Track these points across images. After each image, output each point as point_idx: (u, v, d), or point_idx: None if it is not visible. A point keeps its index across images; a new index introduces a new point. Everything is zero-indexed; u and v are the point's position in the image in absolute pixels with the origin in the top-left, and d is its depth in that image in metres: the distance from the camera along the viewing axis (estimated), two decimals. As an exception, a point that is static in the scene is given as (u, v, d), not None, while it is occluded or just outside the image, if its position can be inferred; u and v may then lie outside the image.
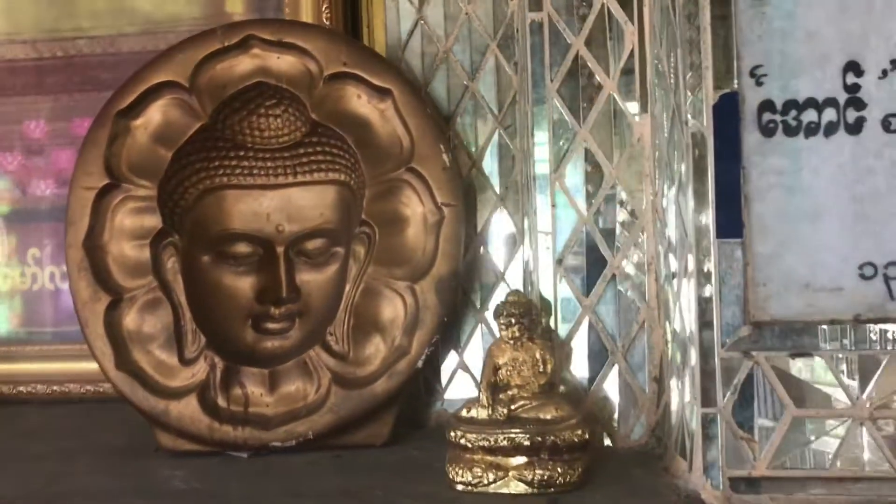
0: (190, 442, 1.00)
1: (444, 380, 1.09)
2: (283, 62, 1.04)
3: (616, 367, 0.93)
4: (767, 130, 0.76)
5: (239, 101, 1.05)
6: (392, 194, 1.02)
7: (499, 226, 1.08)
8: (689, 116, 0.78)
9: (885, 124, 0.75)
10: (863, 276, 0.75)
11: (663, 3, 0.85)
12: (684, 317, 0.81)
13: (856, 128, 0.75)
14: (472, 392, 1.07)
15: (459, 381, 1.08)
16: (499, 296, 1.08)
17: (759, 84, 0.76)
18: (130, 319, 1.03)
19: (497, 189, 1.08)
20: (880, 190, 0.75)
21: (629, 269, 0.93)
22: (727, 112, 0.76)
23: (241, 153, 1.07)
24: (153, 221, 1.04)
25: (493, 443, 0.82)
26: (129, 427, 1.16)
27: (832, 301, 0.75)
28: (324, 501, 0.83)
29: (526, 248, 1.00)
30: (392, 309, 1.01)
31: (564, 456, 0.81)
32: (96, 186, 1.04)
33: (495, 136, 1.08)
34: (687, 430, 0.81)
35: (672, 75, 0.83)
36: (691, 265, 0.79)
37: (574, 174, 0.95)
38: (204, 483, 0.91)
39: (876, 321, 0.75)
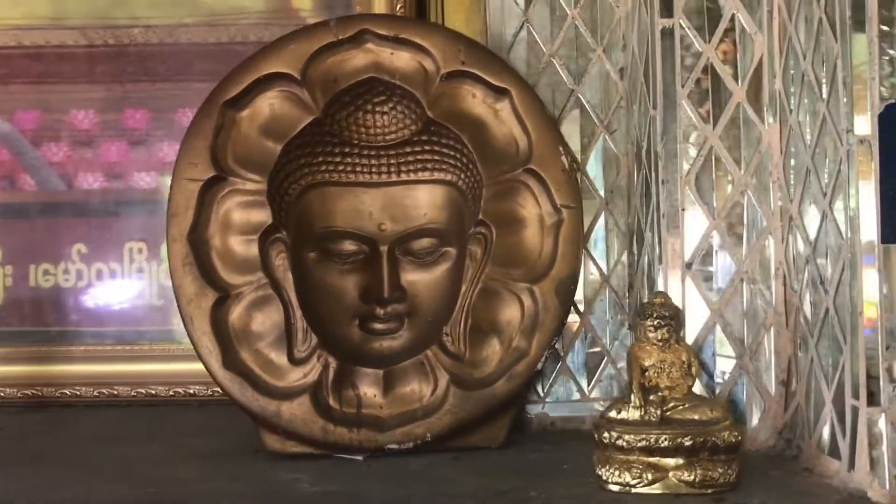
0: (300, 444, 0.98)
1: (545, 383, 1.09)
2: (398, 59, 1.03)
3: (743, 371, 0.95)
4: (925, 139, 0.79)
5: (348, 96, 1.03)
6: (509, 195, 1.02)
7: (601, 230, 1.09)
8: (847, 125, 0.81)
9: None
10: None
11: (809, 16, 0.88)
12: (842, 319, 0.82)
13: None
14: (572, 395, 1.09)
15: (560, 385, 1.09)
16: (603, 299, 1.09)
17: (920, 95, 0.79)
18: (237, 317, 0.99)
19: (602, 193, 1.09)
20: None
21: (757, 273, 0.95)
22: (891, 121, 0.79)
23: (347, 150, 1.04)
24: (261, 216, 1.01)
25: (652, 443, 0.82)
26: (211, 429, 1.14)
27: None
28: (478, 500, 0.82)
29: (649, 250, 1.01)
30: (509, 310, 1.00)
31: (721, 456, 0.82)
32: (202, 178, 1.00)
33: (600, 141, 1.09)
34: (840, 430, 0.82)
35: (825, 85, 0.85)
36: (848, 270, 0.81)
37: (702, 179, 0.97)
38: (336, 486, 0.88)
39: None
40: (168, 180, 1.03)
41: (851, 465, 0.80)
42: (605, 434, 0.85)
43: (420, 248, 1.04)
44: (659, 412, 0.85)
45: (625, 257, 1.08)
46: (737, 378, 0.95)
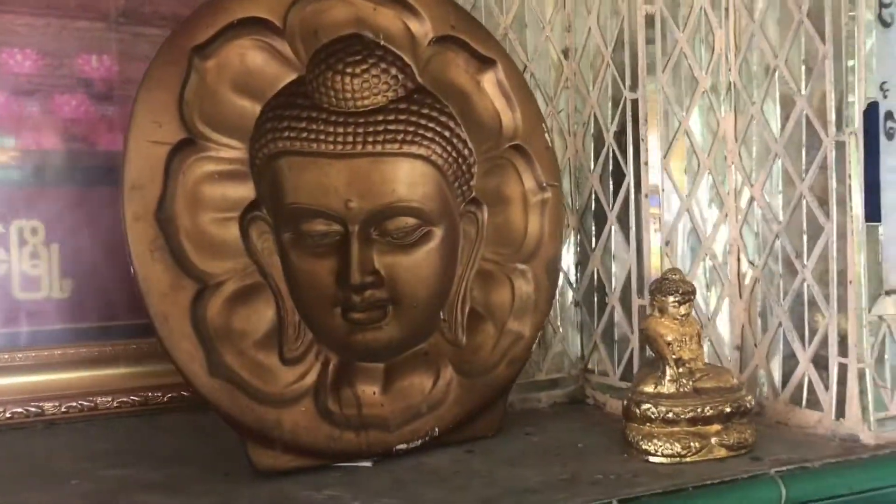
0: (300, 457, 0.84)
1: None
2: (381, 15, 0.92)
3: (706, 339, 1.03)
4: (888, 135, 0.94)
5: (325, 52, 0.89)
6: (495, 172, 0.97)
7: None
8: (834, 118, 0.92)
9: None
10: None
11: (784, 18, 0.97)
12: (822, 289, 0.94)
13: (937, 137, 0.97)
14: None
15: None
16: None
17: (885, 97, 0.93)
18: (216, 313, 0.82)
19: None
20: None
21: (717, 249, 1.04)
22: (872, 117, 0.91)
23: (314, 115, 0.89)
24: (241, 191, 0.84)
25: (699, 413, 0.86)
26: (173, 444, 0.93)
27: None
28: (549, 488, 0.78)
29: (616, 228, 1.04)
30: (502, 292, 0.96)
31: (745, 419, 0.89)
32: (170, 142, 0.80)
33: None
34: (821, 386, 0.94)
35: (803, 82, 0.95)
36: (832, 246, 0.92)
37: (678, 161, 1.02)
38: (383, 498, 0.77)
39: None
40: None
41: (840, 415, 0.92)
42: (651, 409, 0.87)
43: (396, 228, 0.93)
44: (690, 383, 0.89)
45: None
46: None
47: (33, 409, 1.03)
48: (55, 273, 1.06)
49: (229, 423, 0.81)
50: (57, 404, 1.04)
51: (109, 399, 1.07)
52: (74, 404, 1.05)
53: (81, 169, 1.07)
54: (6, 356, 1.03)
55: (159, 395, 1.09)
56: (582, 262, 1.12)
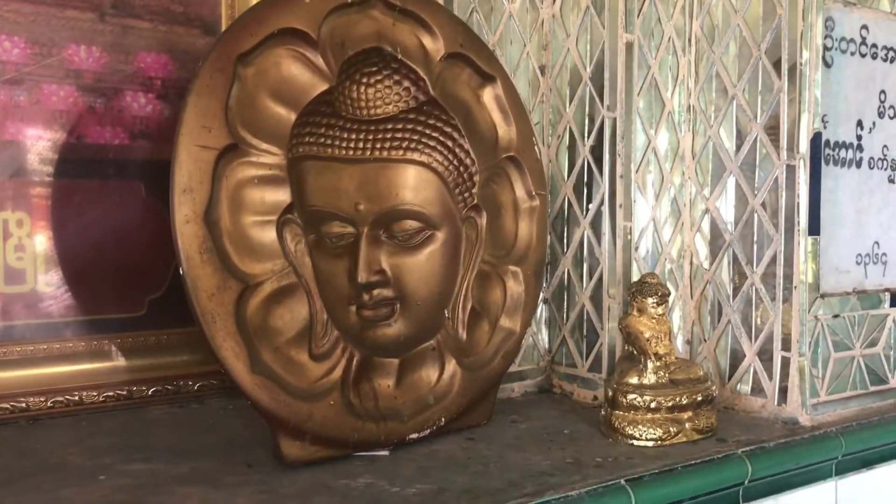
0: (326, 448, 0.89)
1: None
2: (398, 30, 0.97)
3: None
4: (826, 160, 1.09)
5: (348, 63, 0.94)
6: (492, 181, 1.05)
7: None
8: (785, 144, 1.06)
9: (870, 164, 1.15)
10: (857, 263, 1.14)
11: (744, 53, 1.10)
12: (769, 290, 1.08)
13: (858, 164, 1.13)
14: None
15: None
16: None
17: (825, 127, 1.08)
18: (255, 312, 0.86)
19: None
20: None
21: (673, 253, 1.16)
22: (816, 144, 1.06)
23: (332, 121, 0.95)
24: (277, 194, 0.87)
25: (678, 402, 0.98)
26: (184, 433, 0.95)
27: (845, 280, 1.12)
28: (561, 471, 0.87)
29: (589, 234, 1.15)
30: (495, 291, 1.04)
31: (709, 406, 1.02)
32: (217, 147, 0.82)
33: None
34: (765, 376, 1.08)
35: (759, 109, 1.09)
36: (780, 255, 1.07)
37: (645, 176, 1.14)
38: (418, 484, 0.84)
39: (860, 293, 1.14)
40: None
41: (782, 401, 1.07)
42: (637, 398, 0.98)
43: (401, 230, 0.99)
44: (666, 375, 1.01)
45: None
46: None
47: (20, 405, 1.02)
48: (40, 266, 1.05)
49: (266, 416, 0.85)
50: (42, 399, 1.03)
51: (95, 394, 1.07)
52: (61, 399, 1.04)
53: (69, 161, 1.06)
54: (-9, 350, 1.01)
55: (144, 388, 1.10)
56: (552, 263, 1.22)
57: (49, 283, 1.05)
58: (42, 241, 1.05)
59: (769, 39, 1.07)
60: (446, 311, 1.00)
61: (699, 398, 1.00)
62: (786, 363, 1.07)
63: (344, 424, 0.89)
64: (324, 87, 0.91)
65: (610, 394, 1.01)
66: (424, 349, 0.98)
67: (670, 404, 0.99)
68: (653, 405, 0.98)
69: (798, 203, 1.06)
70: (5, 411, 1.01)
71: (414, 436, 0.95)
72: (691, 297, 1.18)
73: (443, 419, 0.98)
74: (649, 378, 1.00)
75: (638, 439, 0.98)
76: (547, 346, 1.23)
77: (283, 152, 0.88)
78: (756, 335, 1.10)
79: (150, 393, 1.10)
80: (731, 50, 1.13)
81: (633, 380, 1.00)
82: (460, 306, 1.02)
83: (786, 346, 1.07)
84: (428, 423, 0.96)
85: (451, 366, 0.99)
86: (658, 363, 1.01)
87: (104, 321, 1.09)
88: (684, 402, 0.99)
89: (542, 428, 1.04)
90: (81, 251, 1.07)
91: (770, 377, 1.09)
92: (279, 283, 0.87)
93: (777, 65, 1.07)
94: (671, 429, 0.98)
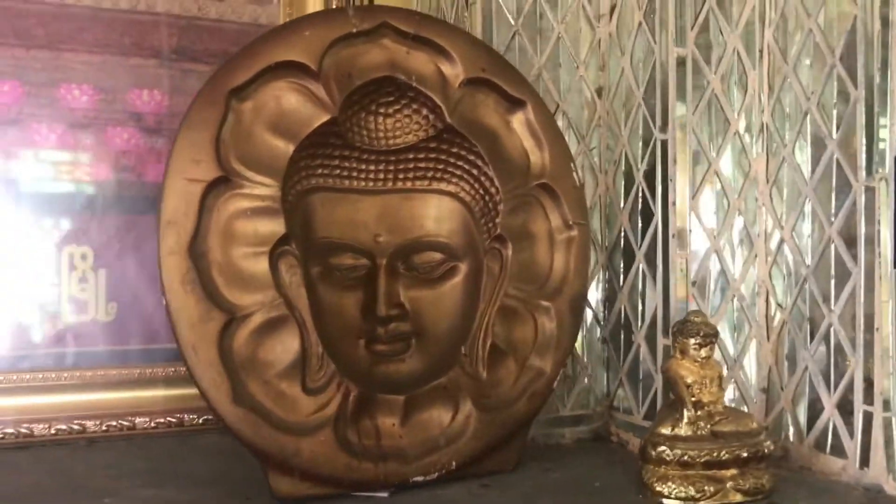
0: (318, 485, 0.87)
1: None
2: (413, 59, 0.95)
3: (731, 380, 1.03)
4: (908, 180, 0.93)
5: (358, 94, 0.93)
6: (521, 210, 0.99)
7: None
8: (864, 163, 0.91)
9: None
10: None
11: (816, 61, 0.97)
12: (847, 333, 0.93)
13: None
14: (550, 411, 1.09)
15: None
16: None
17: (906, 144, 0.92)
18: (243, 343, 0.85)
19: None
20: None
21: (745, 291, 1.03)
22: (901, 163, 0.91)
23: (347, 153, 0.94)
24: (271, 226, 0.87)
25: (714, 457, 0.86)
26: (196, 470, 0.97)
27: None
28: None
29: (644, 266, 1.05)
30: (525, 328, 0.98)
31: (763, 464, 0.89)
32: (205, 179, 0.84)
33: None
34: (846, 432, 0.93)
35: (833, 125, 0.95)
36: (860, 291, 0.91)
37: (708, 202, 1.03)
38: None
39: None
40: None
41: (864, 464, 0.91)
42: (666, 451, 0.87)
43: (423, 263, 0.97)
44: (708, 426, 0.89)
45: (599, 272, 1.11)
46: (726, 387, 1.03)
47: (76, 427, 1.09)
48: (101, 297, 1.12)
49: (250, 449, 0.84)
50: (98, 423, 1.10)
51: (147, 419, 1.12)
52: (114, 423, 1.10)
53: (129, 198, 1.13)
54: (53, 375, 1.09)
55: (195, 416, 1.14)
56: (610, 299, 1.13)
57: (109, 313, 1.12)
58: (103, 274, 1.12)
59: (841, 45, 0.93)
60: (463, 348, 0.95)
61: (744, 454, 0.87)
62: (868, 418, 0.91)
63: (337, 461, 0.86)
64: (325, 118, 0.90)
65: (642, 444, 0.90)
66: (434, 387, 0.93)
67: (705, 459, 0.86)
68: (685, 459, 0.86)
69: (879, 231, 0.90)
70: (64, 432, 1.08)
71: (419, 478, 0.90)
72: (767, 340, 1.03)
73: (453, 463, 0.92)
74: (685, 429, 0.89)
75: (667, 497, 0.86)
76: (605, 389, 1.14)
77: (279, 184, 0.88)
78: (836, 384, 0.95)
79: (200, 421, 1.14)
80: (804, 59, 0.99)
81: (667, 430, 0.89)
82: (480, 342, 0.96)
83: (868, 398, 0.91)
84: (436, 467, 0.91)
85: (467, 406, 0.93)
86: (699, 412, 0.89)
87: (159, 350, 1.14)
88: (724, 457, 0.87)
89: (573, 479, 0.95)
90: (139, 283, 1.13)
91: (851, 435, 0.93)
92: (269, 315, 0.86)
93: (854, 73, 0.93)
94: (707, 488, 0.86)
